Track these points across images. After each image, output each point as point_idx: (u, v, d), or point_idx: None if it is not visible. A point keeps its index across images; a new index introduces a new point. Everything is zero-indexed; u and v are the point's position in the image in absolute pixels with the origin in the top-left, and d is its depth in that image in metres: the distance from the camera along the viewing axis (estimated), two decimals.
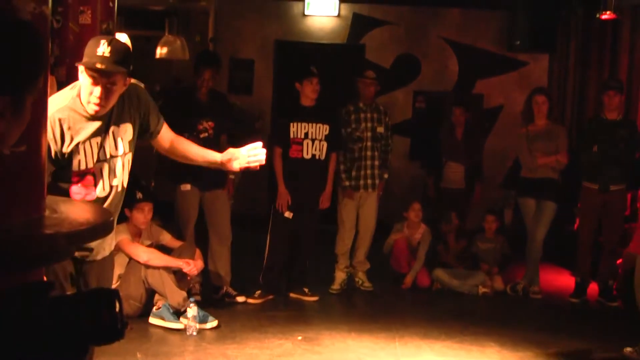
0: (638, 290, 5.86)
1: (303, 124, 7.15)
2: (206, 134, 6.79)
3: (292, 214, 7.13)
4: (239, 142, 4.27)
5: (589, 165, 7.61)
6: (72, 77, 4.17)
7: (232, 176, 7.13)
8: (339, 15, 10.99)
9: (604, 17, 8.65)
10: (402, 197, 9.15)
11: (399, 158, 10.91)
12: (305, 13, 10.96)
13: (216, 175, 6.44)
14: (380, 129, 7.70)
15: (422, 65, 11.09)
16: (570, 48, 10.62)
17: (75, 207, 2.99)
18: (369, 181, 7.65)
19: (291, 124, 7.15)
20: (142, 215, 6.38)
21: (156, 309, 6.27)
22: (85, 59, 3.55)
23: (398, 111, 10.99)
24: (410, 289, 7.88)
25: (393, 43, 11.07)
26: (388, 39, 11.07)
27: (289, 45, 10.99)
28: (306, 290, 7.34)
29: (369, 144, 7.62)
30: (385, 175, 7.80)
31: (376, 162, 7.67)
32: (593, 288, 7.79)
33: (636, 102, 9.36)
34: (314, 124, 7.16)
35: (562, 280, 8.54)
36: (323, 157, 7.21)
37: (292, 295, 7.33)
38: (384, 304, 7.39)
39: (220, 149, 4.14)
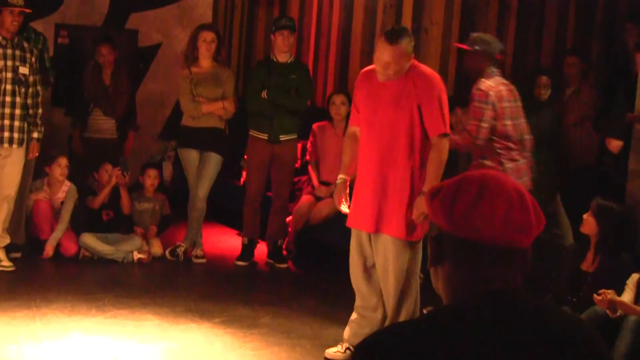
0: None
1: None
2: None
3: None
4: None
5: (257, 113, 7.86)
6: None
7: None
8: None
9: None
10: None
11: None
12: None
13: None
14: (25, 70, 7.27)
15: None
16: None
17: None
18: (9, 134, 7.19)
19: None
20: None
21: None
22: None
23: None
24: (53, 258, 7.69)
25: None
26: None
27: None
28: None
29: (8, 87, 7.18)
30: (35, 135, 7.38)
31: (17, 111, 7.22)
32: (261, 249, 8.13)
33: (309, 43, 9.85)
34: None
35: (228, 241, 8.81)
36: None
37: None
38: (20, 278, 7.12)
39: None
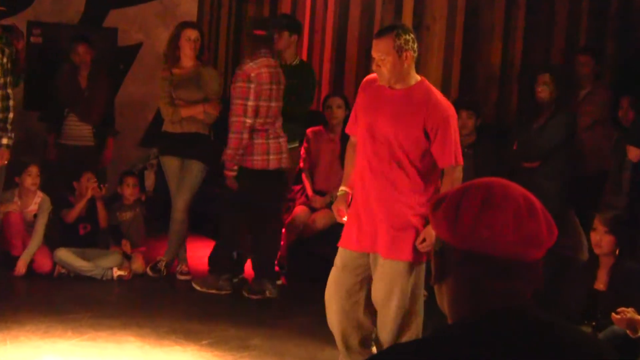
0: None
1: None
2: None
3: None
4: None
5: None
6: None
7: None
8: None
9: None
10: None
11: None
12: None
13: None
14: None
15: None
16: None
17: None
18: None
19: None
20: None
21: None
22: None
23: None
24: (25, 276, 7.64)
25: None
26: None
27: None
28: None
29: None
30: (4, 141, 7.38)
31: None
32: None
33: (301, 41, 9.82)
34: None
35: None
36: None
37: None
38: None
39: None
